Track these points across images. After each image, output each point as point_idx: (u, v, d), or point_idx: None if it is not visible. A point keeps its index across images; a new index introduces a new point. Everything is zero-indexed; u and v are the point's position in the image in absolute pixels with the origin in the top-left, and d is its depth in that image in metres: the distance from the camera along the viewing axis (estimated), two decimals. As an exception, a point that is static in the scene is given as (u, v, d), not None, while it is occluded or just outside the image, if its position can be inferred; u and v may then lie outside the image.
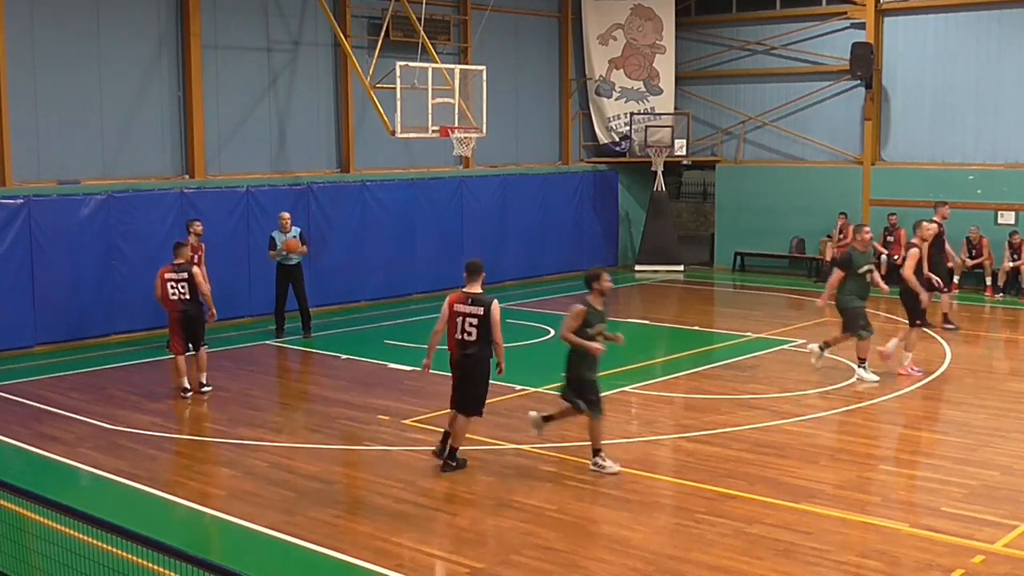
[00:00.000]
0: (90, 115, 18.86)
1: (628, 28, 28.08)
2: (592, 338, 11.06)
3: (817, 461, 11.61)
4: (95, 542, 6.98)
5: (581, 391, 11.19)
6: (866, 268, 15.32)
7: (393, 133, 19.98)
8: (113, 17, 19.04)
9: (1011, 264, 23.09)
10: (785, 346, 17.68)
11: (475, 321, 11.05)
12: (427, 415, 13.42)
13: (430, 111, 19.76)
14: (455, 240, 23.71)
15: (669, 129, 27.41)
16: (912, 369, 15.64)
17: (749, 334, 18.80)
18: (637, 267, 26.99)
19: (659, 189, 27.11)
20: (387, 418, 13.37)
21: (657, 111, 27.97)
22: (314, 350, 17.93)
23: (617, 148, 27.99)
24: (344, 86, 22.53)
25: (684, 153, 27.62)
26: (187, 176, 20.07)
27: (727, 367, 16.41)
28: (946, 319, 19.19)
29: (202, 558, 5.61)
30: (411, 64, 19.87)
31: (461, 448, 11.40)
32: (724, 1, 28.06)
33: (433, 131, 19.94)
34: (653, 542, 9.36)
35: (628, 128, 27.96)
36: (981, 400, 14.28)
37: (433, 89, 19.86)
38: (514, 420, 13.23)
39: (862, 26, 25.50)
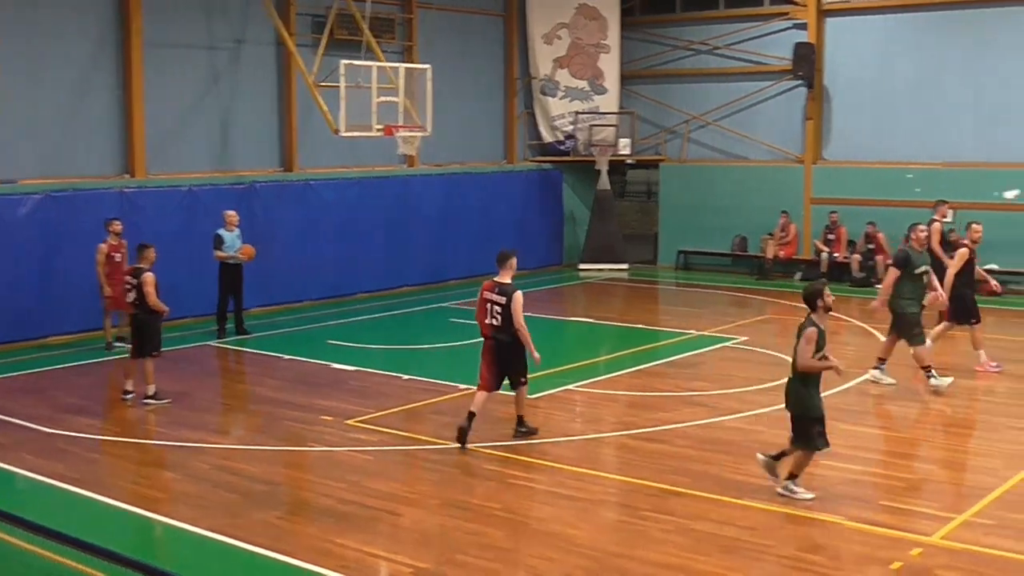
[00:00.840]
0: (28, 114, 18.58)
1: (573, 27, 28.16)
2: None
3: (759, 457, 11.71)
4: (34, 548, 6.89)
5: (808, 427, 10.20)
6: (923, 269, 14.72)
7: (337, 132, 19.89)
8: (52, 15, 18.78)
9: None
10: (728, 343, 17.81)
11: (500, 308, 11.94)
12: (371, 415, 13.37)
13: (374, 110, 19.69)
14: (400, 239, 23.66)
15: (614, 128, 27.54)
16: (990, 366, 15.60)
17: (692, 332, 18.92)
18: (581, 266, 27.07)
19: (603, 188, 27.21)
20: (331, 419, 13.31)
21: (602, 110, 28.09)
22: (257, 351, 17.80)
23: (562, 147, 28.06)
24: (288, 84, 22.40)
25: (628, 152, 27.75)
26: (128, 175, 19.86)
27: (671, 364, 16.51)
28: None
29: (143, 562, 5.57)
30: (355, 63, 19.80)
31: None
32: (668, 1, 28.24)
33: (377, 130, 19.87)
34: (598, 539, 9.40)
35: (573, 127, 28.04)
36: (919, 395, 14.48)
37: (378, 88, 19.78)
38: (457, 419, 13.20)
39: (804, 27, 25.78)
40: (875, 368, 14.96)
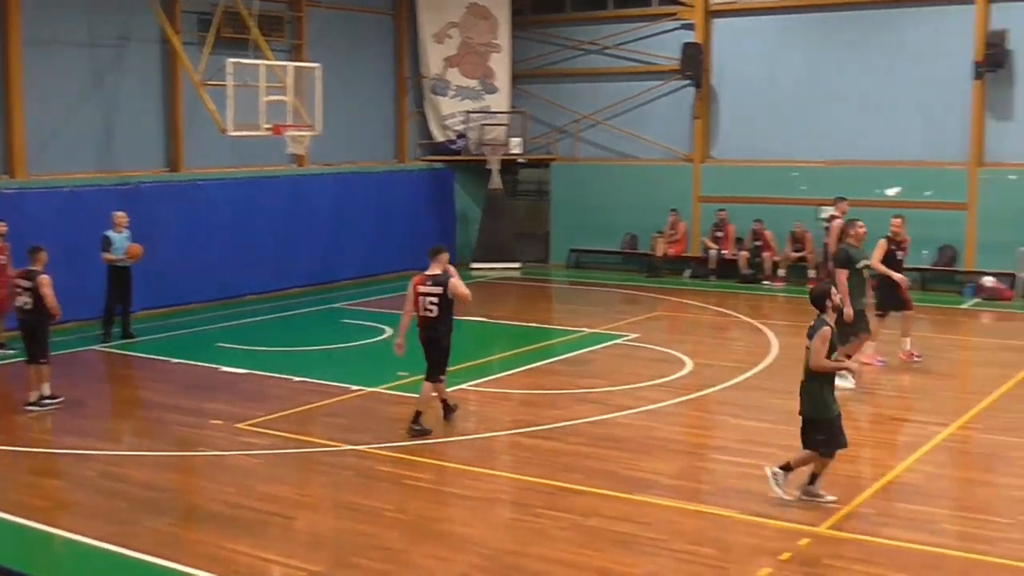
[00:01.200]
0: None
1: (463, 27, 28.15)
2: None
3: (652, 452, 11.84)
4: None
5: (826, 428, 10.07)
6: (863, 264, 14.78)
7: (225, 131, 19.60)
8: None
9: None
10: (619, 340, 17.96)
11: (435, 300, 12.29)
12: (262, 418, 13.19)
13: (263, 109, 19.45)
14: (290, 240, 23.38)
15: (505, 128, 27.61)
16: (877, 360, 15.76)
17: (584, 329, 19.05)
18: (474, 265, 27.06)
19: (495, 187, 27.25)
20: (221, 422, 13.09)
21: (493, 110, 28.13)
22: (144, 355, 17.42)
23: (453, 146, 28.03)
24: (174, 83, 21.99)
25: (520, 151, 27.83)
26: (7, 176, 19.30)
27: (563, 362, 16.61)
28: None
29: (26, 574, 5.41)
30: (243, 61, 19.53)
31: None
32: (558, 1, 28.40)
33: (266, 129, 19.63)
34: (492, 538, 9.41)
35: (464, 126, 28.03)
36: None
37: (266, 87, 19.55)
38: (351, 420, 13.13)
39: (692, 27, 26.14)
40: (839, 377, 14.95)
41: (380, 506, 10.19)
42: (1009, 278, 22.61)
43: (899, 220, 16.09)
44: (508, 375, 15.73)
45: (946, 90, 23.58)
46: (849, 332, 14.31)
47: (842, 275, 14.41)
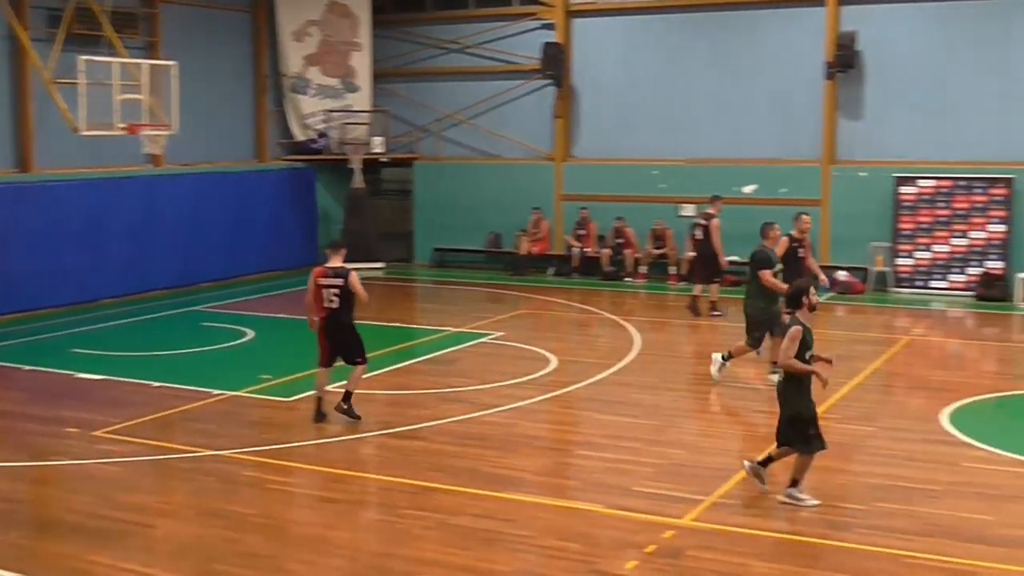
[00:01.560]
0: None
1: (324, 25, 27.86)
2: (808, 363, 9.97)
3: (518, 450, 11.89)
4: None
5: (803, 428, 9.95)
6: (779, 267, 14.71)
7: (77, 131, 19.05)
8: None
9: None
10: (484, 339, 18.00)
11: (337, 291, 12.69)
12: (120, 425, 12.83)
13: (117, 108, 18.96)
14: (146, 241, 22.78)
15: (367, 127, 27.41)
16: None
17: (449, 329, 19.04)
18: (338, 265, 26.77)
19: (357, 187, 27.04)
20: (77, 430, 12.69)
21: (354, 108, 27.90)
22: (-6, 361, 16.83)
23: (314, 145, 27.72)
24: (22, 81, 21.26)
25: (382, 151, 27.65)
26: None
27: (428, 362, 16.57)
28: (714, 307, 20.16)
29: None
30: (96, 59, 19.01)
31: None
32: (419, 0, 28.33)
33: (120, 128, 19.14)
34: (358, 540, 9.34)
35: (325, 125, 27.75)
36: (668, 383, 15.05)
37: (120, 85, 19.07)
38: (212, 426, 12.88)
39: (552, 27, 26.34)
40: (772, 372, 14.69)
41: (244, 512, 10.02)
42: (861, 272, 23.35)
43: (807, 218, 15.88)
44: (373, 376, 15.56)
45: (799, 90, 24.24)
46: (756, 331, 14.56)
47: (767, 275, 14.33)
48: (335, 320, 12.82)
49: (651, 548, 8.93)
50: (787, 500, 10.03)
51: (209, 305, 21.45)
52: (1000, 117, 22.79)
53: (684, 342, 19.15)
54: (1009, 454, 11.46)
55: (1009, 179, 22.53)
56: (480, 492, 10.39)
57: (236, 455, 11.66)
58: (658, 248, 24.97)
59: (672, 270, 24.66)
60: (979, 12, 22.91)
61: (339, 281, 12.76)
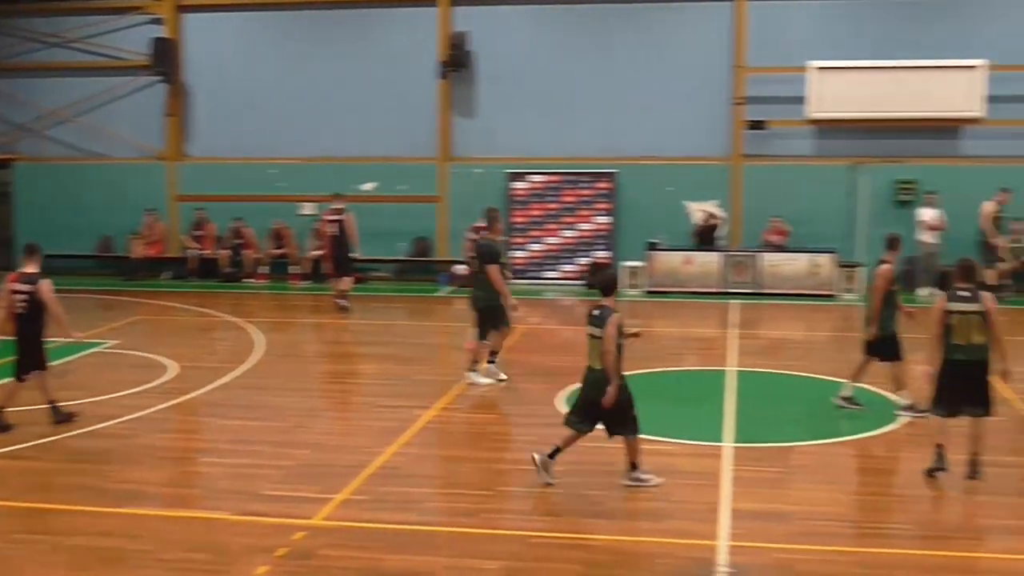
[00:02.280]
0: None
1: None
2: (621, 348, 10.07)
3: (139, 462, 11.36)
4: None
5: (627, 412, 10.14)
6: (505, 260, 14.48)
7: None
8: None
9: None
10: (98, 348, 17.11)
11: (25, 297, 12.33)
12: None
13: None
14: None
15: (-43, 125, 25.44)
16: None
17: (58, 339, 17.91)
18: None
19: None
20: None
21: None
22: None
23: None
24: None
25: (-23, 151, 25.77)
26: None
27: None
28: (342, 297, 20.28)
29: None
30: None
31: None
32: (12, -10, 26.60)
33: None
34: (-38, 572, 8.60)
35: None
36: (293, 384, 14.88)
37: None
38: None
39: (162, 22, 25.42)
40: (489, 363, 14.73)
41: None
42: (478, 266, 24.05)
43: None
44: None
45: (416, 89, 24.70)
46: (493, 325, 14.51)
47: (494, 270, 14.32)
48: (22, 325, 12.48)
49: (282, 551, 8.77)
50: (633, 483, 10.22)
51: None
52: (604, 115, 24.22)
53: (308, 341, 19.04)
54: (620, 432, 12.14)
55: (613, 173, 23.97)
56: (99, 510, 9.82)
57: None
58: (278, 248, 24.69)
59: (294, 269, 24.46)
60: (584, 16, 24.25)
61: (27, 287, 12.41)
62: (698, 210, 23.52)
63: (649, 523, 9.49)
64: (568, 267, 24.13)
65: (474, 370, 14.62)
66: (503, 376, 14.62)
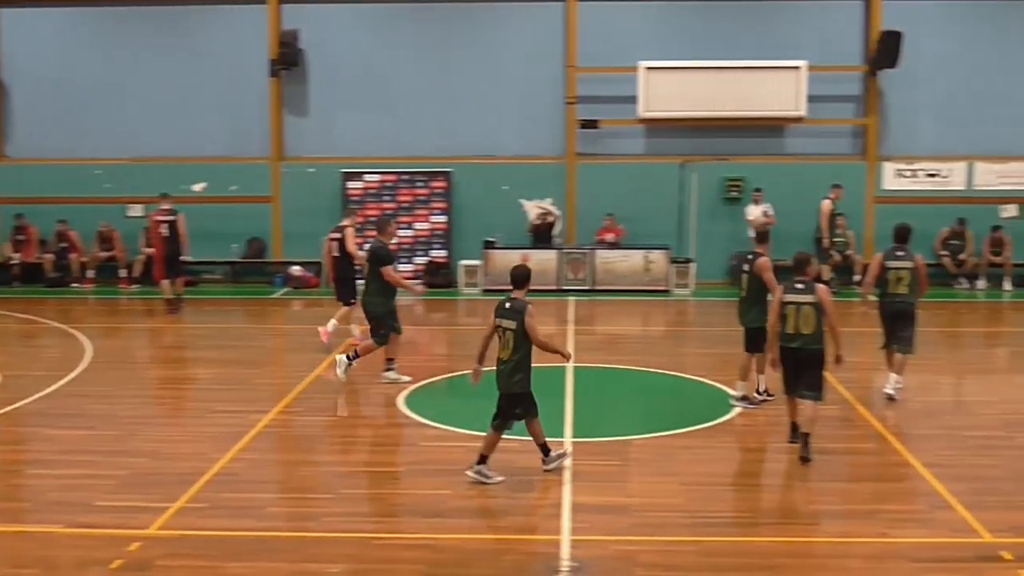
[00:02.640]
0: None
1: None
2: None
3: (-41, 476, 10.89)
4: None
5: (525, 403, 10.39)
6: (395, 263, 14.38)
7: None
8: None
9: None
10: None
11: None
12: None
13: None
14: None
15: None
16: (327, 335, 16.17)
17: None
18: None
19: None
20: None
21: None
22: None
23: None
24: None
25: None
26: None
27: None
28: (174, 301, 20.22)
29: None
30: None
31: None
32: None
33: None
34: None
35: None
36: (125, 391, 14.47)
37: None
38: None
39: (-26, 17, 24.45)
40: (387, 371, 14.57)
41: None
42: (315, 266, 23.81)
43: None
44: None
45: (246, 87, 24.31)
46: (381, 329, 14.39)
47: (389, 270, 14.25)
48: None
49: (117, 563, 8.51)
50: (475, 476, 10.26)
51: None
52: (439, 115, 24.28)
53: (139, 346, 18.53)
54: (460, 430, 12.16)
55: (448, 173, 24.00)
56: (-84, 527, 9.38)
57: None
58: (106, 251, 23.97)
59: (123, 273, 23.80)
60: (418, 15, 24.26)
61: None
62: (533, 208, 23.74)
63: (492, 521, 9.55)
64: (406, 267, 24.06)
65: (391, 369, 14.60)
66: (405, 378, 14.60)
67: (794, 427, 11.26)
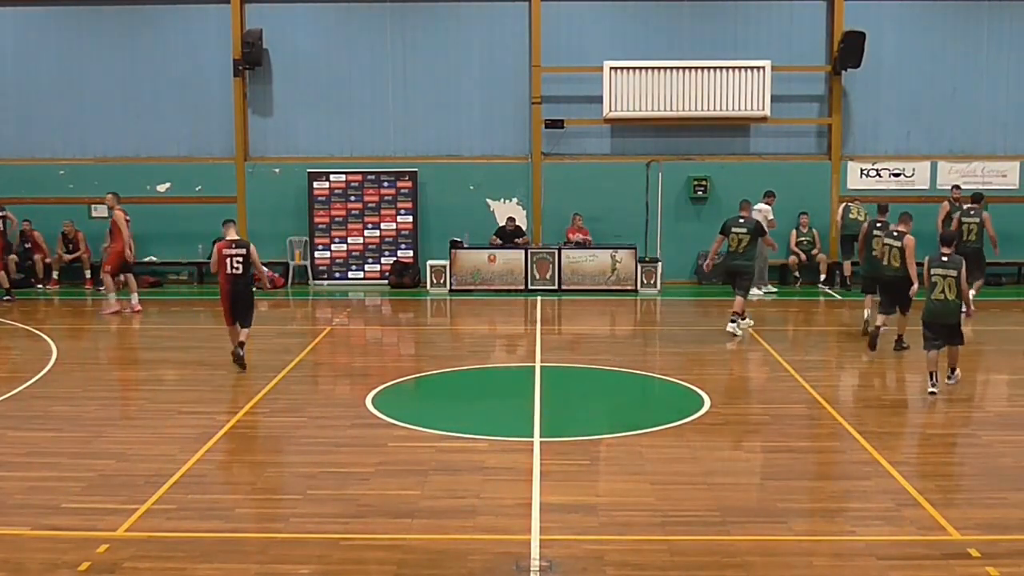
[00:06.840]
0: None
1: None
2: None
3: (-76, 480, 10.77)
4: None
5: None
6: None
7: None
8: None
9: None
10: None
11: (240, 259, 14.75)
12: None
13: None
14: None
15: None
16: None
17: None
18: None
19: None
20: None
21: None
22: None
23: None
24: None
25: None
26: None
27: None
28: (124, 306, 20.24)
29: None
30: None
31: None
32: None
33: None
34: None
35: None
36: (91, 392, 14.36)
37: None
38: None
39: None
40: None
41: None
42: (281, 266, 23.73)
43: None
44: None
45: (210, 87, 24.21)
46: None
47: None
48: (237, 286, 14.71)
49: (84, 566, 8.46)
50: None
51: None
52: (404, 115, 24.27)
53: (105, 348, 18.40)
54: (428, 430, 12.16)
55: (414, 172, 23.98)
56: None
57: None
58: (70, 252, 23.78)
59: (88, 274, 23.62)
60: (383, 15, 24.22)
61: (242, 251, 14.66)
62: (506, 216, 23.80)
63: (461, 520, 9.54)
64: (373, 267, 24.03)
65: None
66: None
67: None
